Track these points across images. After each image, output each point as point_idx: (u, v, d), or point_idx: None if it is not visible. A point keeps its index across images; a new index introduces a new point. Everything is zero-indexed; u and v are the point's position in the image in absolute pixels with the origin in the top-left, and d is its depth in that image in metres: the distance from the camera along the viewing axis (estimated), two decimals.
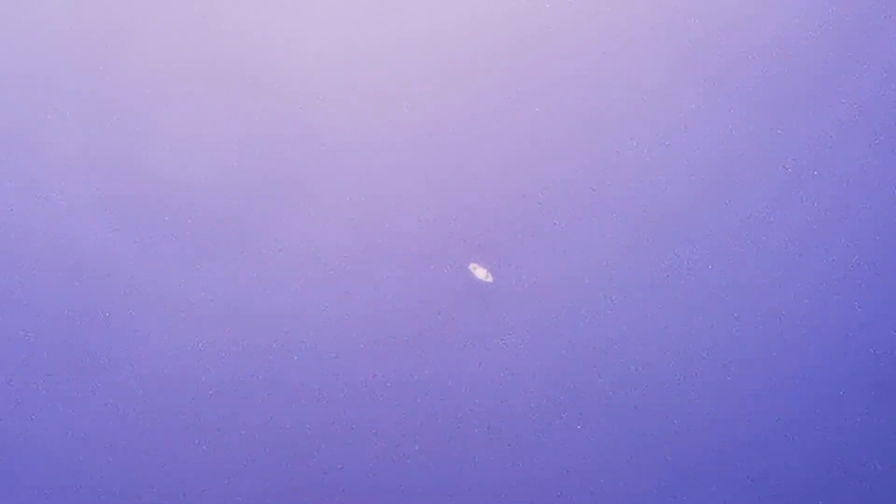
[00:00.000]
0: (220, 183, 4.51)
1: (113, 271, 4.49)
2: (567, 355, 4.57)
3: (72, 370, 4.48)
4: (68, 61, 4.46)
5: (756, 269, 4.56)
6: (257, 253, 4.53)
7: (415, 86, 4.55)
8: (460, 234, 4.55)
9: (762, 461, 4.56)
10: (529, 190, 4.55)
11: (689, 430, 4.58)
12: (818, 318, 4.55)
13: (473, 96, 4.56)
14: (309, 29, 4.51)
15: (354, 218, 4.54)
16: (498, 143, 4.57)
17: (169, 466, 4.49)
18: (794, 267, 4.55)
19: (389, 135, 4.55)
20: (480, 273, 4.50)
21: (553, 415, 4.56)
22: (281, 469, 4.52)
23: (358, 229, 4.54)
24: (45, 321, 4.48)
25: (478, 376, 4.57)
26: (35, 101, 4.47)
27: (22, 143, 4.47)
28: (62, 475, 4.46)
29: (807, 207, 4.54)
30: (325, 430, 4.55)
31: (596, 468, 4.56)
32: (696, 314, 4.56)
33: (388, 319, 4.57)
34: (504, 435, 4.57)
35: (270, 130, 4.52)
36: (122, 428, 4.49)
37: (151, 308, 4.50)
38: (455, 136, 4.57)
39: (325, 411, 4.55)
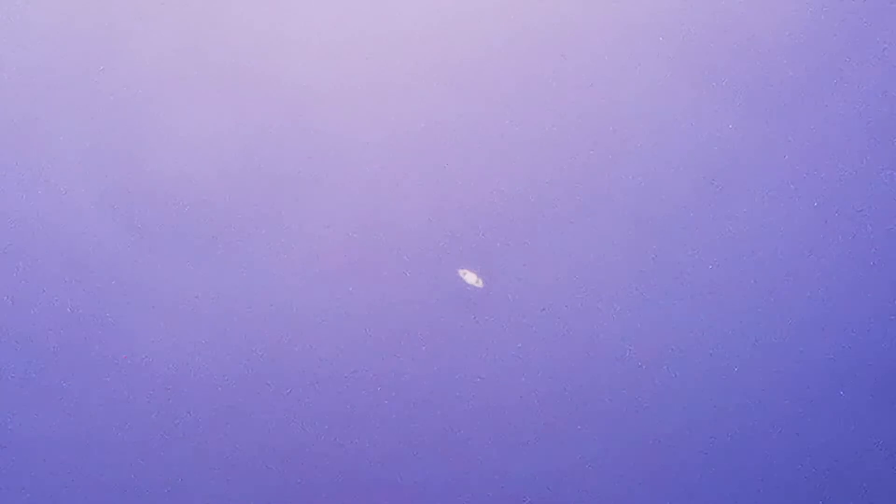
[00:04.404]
0: (221, 180, 4.53)
1: (113, 268, 4.54)
2: (567, 355, 4.56)
3: (72, 368, 4.56)
4: (68, 58, 4.48)
5: (755, 268, 4.50)
6: (258, 250, 4.56)
7: (417, 84, 4.52)
8: (461, 232, 4.54)
9: (762, 461, 4.55)
10: (529, 188, 4.51)
11: (688, 430, 4.57)
12: (818, 317, 4.50)
13: (472, 94, 4.52)
14: (310, 25, 4.48)
15: (358, 216, 4.54)
16: (496, 142, 4.53)
17: (170, 464, 4.59)
18: (794, 266, 4.50)
19: (391, 133, 4.53)
20: (470, 278, 4.49)
21: (552, 414, 4.58)
22: (280, 466, 4.60)
23: (361, 227, 4.55)
24: (45, 318, 4.55)
25: (478, 375, 4.59)
26: (34, 98, 4.50)
27: (22, 140, 4.51)
28: (63, 474, 4.57)
29: (806, 206, 4.46)
30: (324, 428, 4.61)
31: (596, 468, 4.58)
32: (695, 314, 4.53)
33: (388, 317, 4.59)
34: (503, 434, 4.60)
35: (272, 128, 4.52)
36: (123, 426, 4.58)
37: (152, 305, 4.56)
38: (453, 133, 4.53)
39: (324, 409, 4.61)
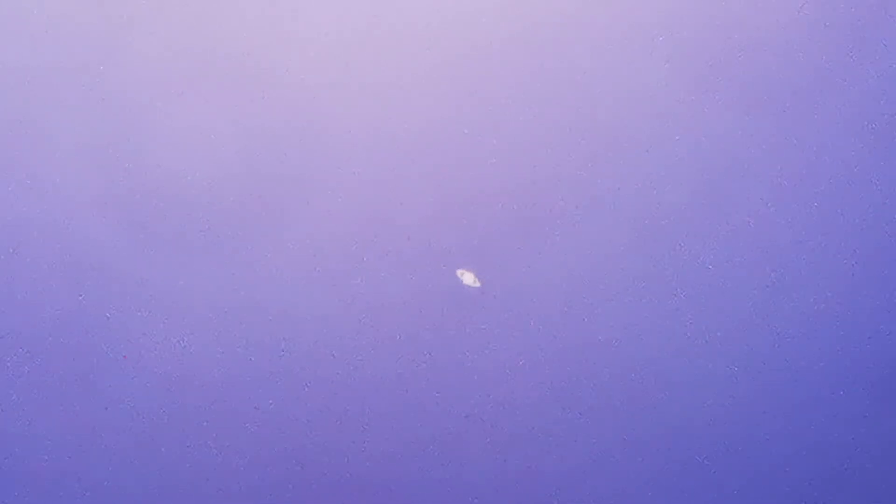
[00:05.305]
0: (221, 180, 4.53)
1: (113, 268, 4.54)
2: (566, 355, 4.57)
3: (72, 367, 4.56)
4: (68, 58, 4.47)
5: (755, 268, 4.50)
6: (258, 250, 4.56)
7: (417, 83, 4.51)
8: (461, 232, 4.54)
9: (762, 461, 4.55)
10: (529, 188, 4.51)
11: (688, 430, 4.58)
12: (818, 317, 4.49)
13: (472, 94, 4.51)
14: (310, 25, 4.47)
15: (357, 215, 4.54)
16: (496, 142, 4.52)
17: (170, 464, 4.59)
18: (794, 266, 4.49)
19: (392, 133, 4.52)
20: (468, 279, 4.49)
21: (552, 413, 4.58)
22: (280, 465, 4.61)
23: (361, 226, 4.55)
24: (45, 318, 4.56)
25: (478, 374, 4.60)
26: (34, 97, 4.49)
27: (21, 140, 4.51)
28: (64, 474, 4.58)
29: (806, 207, 4.46)
30: (324, 428, 4.61)
31: (595, 467, 4.58)
32: (695, 314, 4.53)
33: (389, 316, 4.59)
34: (503, 433, 4.60)
35: (272, 128, 4.51)
36: (123, 426, 4.59)
37: (151, 305, 4.56)
38: (453, 133, 4.53)
39: (324, 409, 4.61)
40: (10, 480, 4.56)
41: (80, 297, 4.54)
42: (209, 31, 4.45)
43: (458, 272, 4.50)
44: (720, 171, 4.48)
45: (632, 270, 4.53)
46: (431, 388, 4.59)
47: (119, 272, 4.55)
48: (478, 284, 4.49)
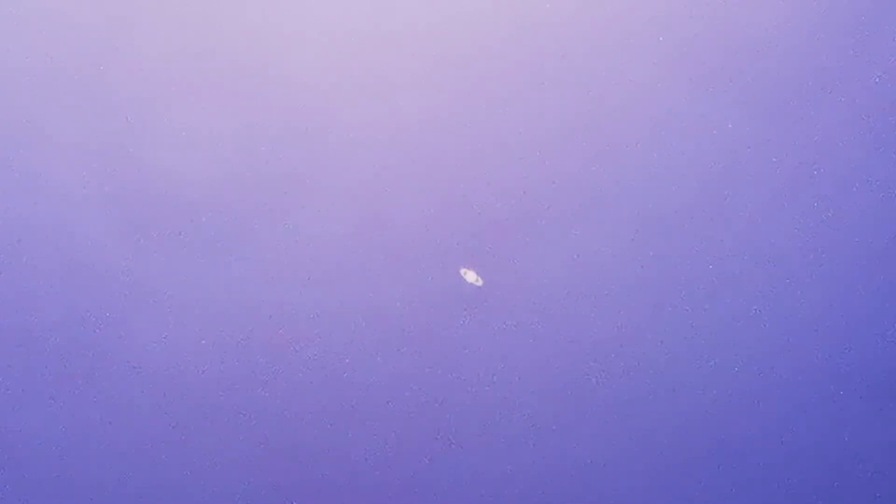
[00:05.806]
0: (221, 180, 4.53)
1: (113, 268, 4.54)
2: (567, 354, 4.56)
3: (72, 367, 4.56)
4: (68, 58, 4.47)
5: (755, 268, 4.50)
6: (258, 250, 4.56)
7: (417, 83, 4.51)
8: (462, 231, 4.54)
9: (762, 461, 4.54)
10: (529, 188, 4.51)
11: (688, 430, 4.57)
12: (818, 317, 4.49)
13: (472, 93, 4.51)
14: (311, 25, 4.47)
15: (358, 215, 4.54)
16: (496, 141, 4.52)
17: (169, 463, 4.59)
18: (794, 266, 4.49)
19: (392, 132, 4.52)
20: (471, 277, 4.50)
21: (552, 412, 4.58)
22: (280, 465, 4.60)
23: (361, 226, 4.54)
24: (45, 318, 4.56)
25: (477, 373, 4.59)
26: (34, 97, 4.49)
27: (22, 140, 4.51)
28: (64, 473, 4.58)
29: (806, 207, 4.46)
30: (324, 428, 4.60)
31: (594, 466, 4.57)
32: (694, 314, 4.52)
33: (388, 316, 4.59)
34: (502, 434, 4.59)
35: (272, 128, 4.51)
36: (123, 426, 4.59)
37: (151, 305, 4.56)
38: (454, 133, 4.53)
39: (324, 408, 4.60)
40: (9, 480, 4.56)
41: (80, 297, 4.53)
42: (209, 31, 4.44)
43: (462, 271, 4.51)
44: (720, 171, 4.48)
45: (632, 270, 4.53)
46: (432, 388, 4.59)
47: (119, 272, 4.54)
48: (480, 283, 4.49)
